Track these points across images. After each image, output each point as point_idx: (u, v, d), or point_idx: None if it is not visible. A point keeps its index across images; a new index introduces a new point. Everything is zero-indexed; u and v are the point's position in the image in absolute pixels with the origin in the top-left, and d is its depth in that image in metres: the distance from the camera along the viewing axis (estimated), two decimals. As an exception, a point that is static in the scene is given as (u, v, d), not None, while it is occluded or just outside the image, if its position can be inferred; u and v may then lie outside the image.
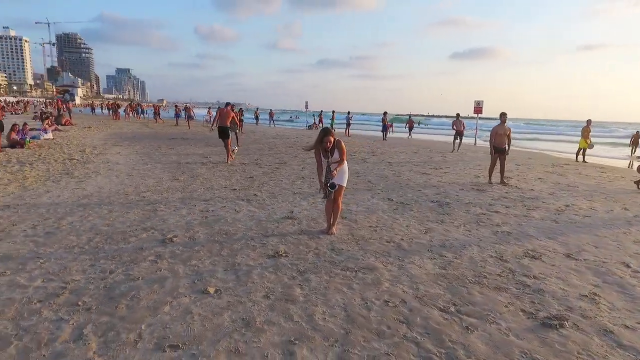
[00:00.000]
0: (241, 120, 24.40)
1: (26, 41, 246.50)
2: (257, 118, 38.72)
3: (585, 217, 6.34)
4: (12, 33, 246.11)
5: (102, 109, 52.90)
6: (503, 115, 9.33)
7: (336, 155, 4.93)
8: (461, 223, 5.78)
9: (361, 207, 6.53)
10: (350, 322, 2.97)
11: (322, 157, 4.96)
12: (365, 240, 4.87)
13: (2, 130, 11.69)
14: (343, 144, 4.99)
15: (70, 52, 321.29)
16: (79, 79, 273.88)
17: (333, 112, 29.61)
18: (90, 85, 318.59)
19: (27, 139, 13.04)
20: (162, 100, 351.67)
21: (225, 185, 7.97)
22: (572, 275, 3.99)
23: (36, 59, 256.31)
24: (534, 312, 3.21)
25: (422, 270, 4.00)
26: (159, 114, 36.63)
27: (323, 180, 4.85)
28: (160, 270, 3.78)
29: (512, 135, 9.32)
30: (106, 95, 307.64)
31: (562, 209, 6.83)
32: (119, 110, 37.94)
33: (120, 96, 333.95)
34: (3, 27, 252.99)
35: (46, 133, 16.10)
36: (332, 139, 4.91)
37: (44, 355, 2.46)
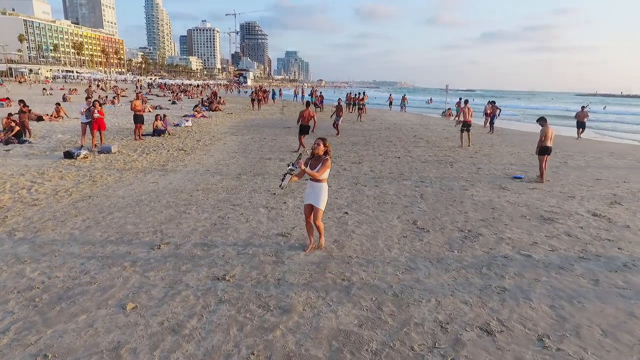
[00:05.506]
0: (360, 108, 24.58)
1: (217, 31, 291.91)
2: (390, 104, 38.25)
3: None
4: (208, 25, 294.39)
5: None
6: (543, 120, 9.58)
7: (316, 169, 4.93)
8: (462, 266, 5.02)
9: (370, 229, 6.23)
10: (195, 369, 3.13)
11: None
12: (322, 272, 4.75)
13: (143, 123, 14.57)
14: (329, 164, 5.00)
15: (250, 38, 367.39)
16: (255, 63, 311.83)
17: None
18: (264, 67, 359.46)
19: (166, 131, 15.93)
20: (321, 80, 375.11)
21: (270, 189, 8.50)
22: None
23: (224, 45, 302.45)
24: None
25: (336, 322, 3.77)
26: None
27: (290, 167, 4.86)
28: (118, 278, 4.53)
29: None
30: (276, 77, 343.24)
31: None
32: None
33: (287, 77, 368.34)
34: (202, 21, 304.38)
35: (187, 122, 19.34)
36: (323, 148, 4.93)
37: (-31, 341, 3.39)
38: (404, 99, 37.77)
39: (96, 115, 11.91)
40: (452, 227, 6.44)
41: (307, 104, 12.97)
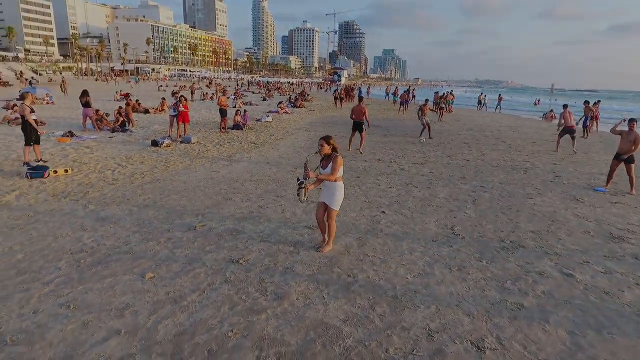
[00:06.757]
0: (441, 108, 23.51)
1: (316, 31, 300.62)
2: (479, 103, 35.81)
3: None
4: (308, 26, 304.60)
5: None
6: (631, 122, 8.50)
7: (327, 169, 4.92)
8: (484, 277, 4.65)
9: (401, 230, 6.05)
10: (177, 336, 3.46)
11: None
12: (331, 267, 4.80)
13: (225, 116, 15.79)
14: (340, 160, 4.91)
15: (348, 37, 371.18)
16: (351, 61, 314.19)
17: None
18: (360, 66, 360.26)
19: (244, 126, 17.03)
20: (417, 79, 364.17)
21: (317, 183, 8.68)
22: None
23: (322, 44, 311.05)
24: None
25: (322, 314, 3.82)
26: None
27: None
28: (151, 251, 5.11)
29: None
30: (371, 75, 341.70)
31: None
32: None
33: (383, 76, 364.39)
34: (303, 21, 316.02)
35: (267, 117, 20.45)
36: (328, 147, 4.90)
37: (22, 282, 4.16)
38: (499, 98, 35.08)
39: (181, 109, 13.28)
40: (492, 236, 5.95)
41: (360, 99, 12.84)
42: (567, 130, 13.61)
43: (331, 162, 4.91)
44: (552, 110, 30.00)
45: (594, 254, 5.43)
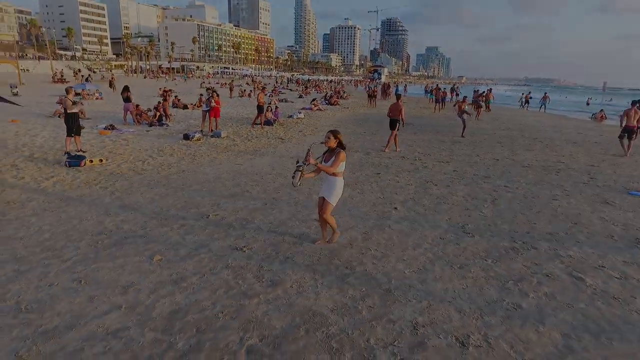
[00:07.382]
0: (479, 106, 22.77)
1: (358, 29, 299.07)
2: (526, 102, 34.24)
3: None
4: (350, 23, 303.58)
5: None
6: None
7: (329, 162, 4.87)
8: (485, 276, 4.56)
9: (410, 227, 6.01)
10: (171, 314, 3.67)
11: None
12: (331, 258, 4.87)
13: (262, 113, 16.17)
14: (342, 156, 4.87)
15: (390, 34, 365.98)
16: (393, 59, 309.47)
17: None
18: (402, 64, 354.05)
19: (275, 121, 17.38)
20: (462, 77, 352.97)
21: (335, 178, 8.74)
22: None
23: (364, 42, 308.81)
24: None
25: (312, 302, 3.91)
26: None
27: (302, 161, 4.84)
28: (163, 236, 5.41)
29: None
30: (413, 73, 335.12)
31: None
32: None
33: (426, 73, 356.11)
34: (344, 19, 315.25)
35: (299, 113, 20.69)
36: (334, 141, 4.83)
37: (44, 258, 4.56)
38: (544, 97, 33.42)
39: (213, 104, 13.76)
40: (504, 236, 5.78)
41: (398, 97, 12.70)
42: (626, 129, 12.68)
43: (334, 157, 4.88)
44: (602, 110, 28.28)
45: (612, 258, 5.15)
